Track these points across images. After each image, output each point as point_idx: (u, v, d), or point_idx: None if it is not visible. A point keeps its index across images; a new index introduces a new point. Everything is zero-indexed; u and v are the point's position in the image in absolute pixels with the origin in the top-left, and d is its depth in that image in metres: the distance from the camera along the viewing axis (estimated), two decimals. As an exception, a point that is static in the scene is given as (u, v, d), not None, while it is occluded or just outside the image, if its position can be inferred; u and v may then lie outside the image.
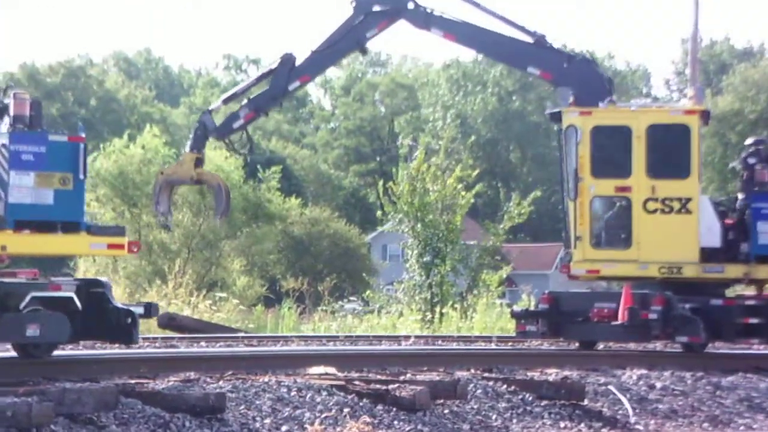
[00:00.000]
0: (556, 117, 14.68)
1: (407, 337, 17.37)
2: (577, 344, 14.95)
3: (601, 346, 15.14)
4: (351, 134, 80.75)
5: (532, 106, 75.24)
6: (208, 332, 17.41)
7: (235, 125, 15.14)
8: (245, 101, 15.24)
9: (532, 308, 15.37)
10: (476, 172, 27.51)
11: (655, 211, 14.19)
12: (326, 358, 11.46)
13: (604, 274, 14.43)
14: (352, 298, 30.24)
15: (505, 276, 27.48)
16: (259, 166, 42.32)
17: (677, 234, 14.22)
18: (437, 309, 24.65)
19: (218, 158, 36.49)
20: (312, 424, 8.87)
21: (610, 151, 14.43)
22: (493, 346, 15.61)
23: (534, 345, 15.54)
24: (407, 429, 9.11)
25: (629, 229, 14.24)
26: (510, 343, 15.74)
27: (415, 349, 14.57)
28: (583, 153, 14.21)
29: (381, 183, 27.67)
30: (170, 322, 18.48)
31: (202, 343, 14.75)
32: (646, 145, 14.23)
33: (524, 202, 28.17)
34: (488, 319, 23.32)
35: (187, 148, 15.31)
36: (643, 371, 11.96)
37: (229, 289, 31.90)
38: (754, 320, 14.01)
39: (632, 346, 14.88)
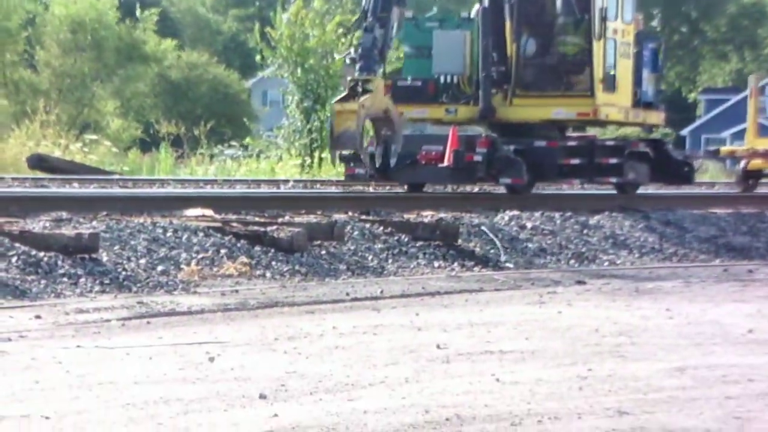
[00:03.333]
0: None
1: (286, 181, 17.35)
2: (406, 187, 14.92)
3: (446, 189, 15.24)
4: (230, -24, 78.17)
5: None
6: (81, 174, 17.03)
7: (396, 31, 13.77)
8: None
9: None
10: (356, 17, 27.05)
11: (621, 55, 14.72)
12: (203, 200, 11.32)
13: (611, 119, 14.77)
14: (231, 143, 29.87)
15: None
16: (137, 6, 40.73)
17: (627, 80, 14.82)
18: (316, 154, 24.67)
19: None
20: (188, 264, 8.83)
21: None
22: (371, 189, 15.72)
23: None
24: (285, 269, 9.18)
25: (615, 74, 14.61)
26: (388, 187, 15.87)
27: (293, 192, 14.56)
28: None
29: (258, 27, 27.04)
30: (41, 163, 17.99)
31: (75, 185, 14.40)
32: None
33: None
34: (367, 164, 23.41)
35: (368, 73, 12.63)
36: (515, 212, 12.22)
37: (102, 132, 31.06)
38: (575, 161, 14.39)
39: (503, 189, 15.17)
